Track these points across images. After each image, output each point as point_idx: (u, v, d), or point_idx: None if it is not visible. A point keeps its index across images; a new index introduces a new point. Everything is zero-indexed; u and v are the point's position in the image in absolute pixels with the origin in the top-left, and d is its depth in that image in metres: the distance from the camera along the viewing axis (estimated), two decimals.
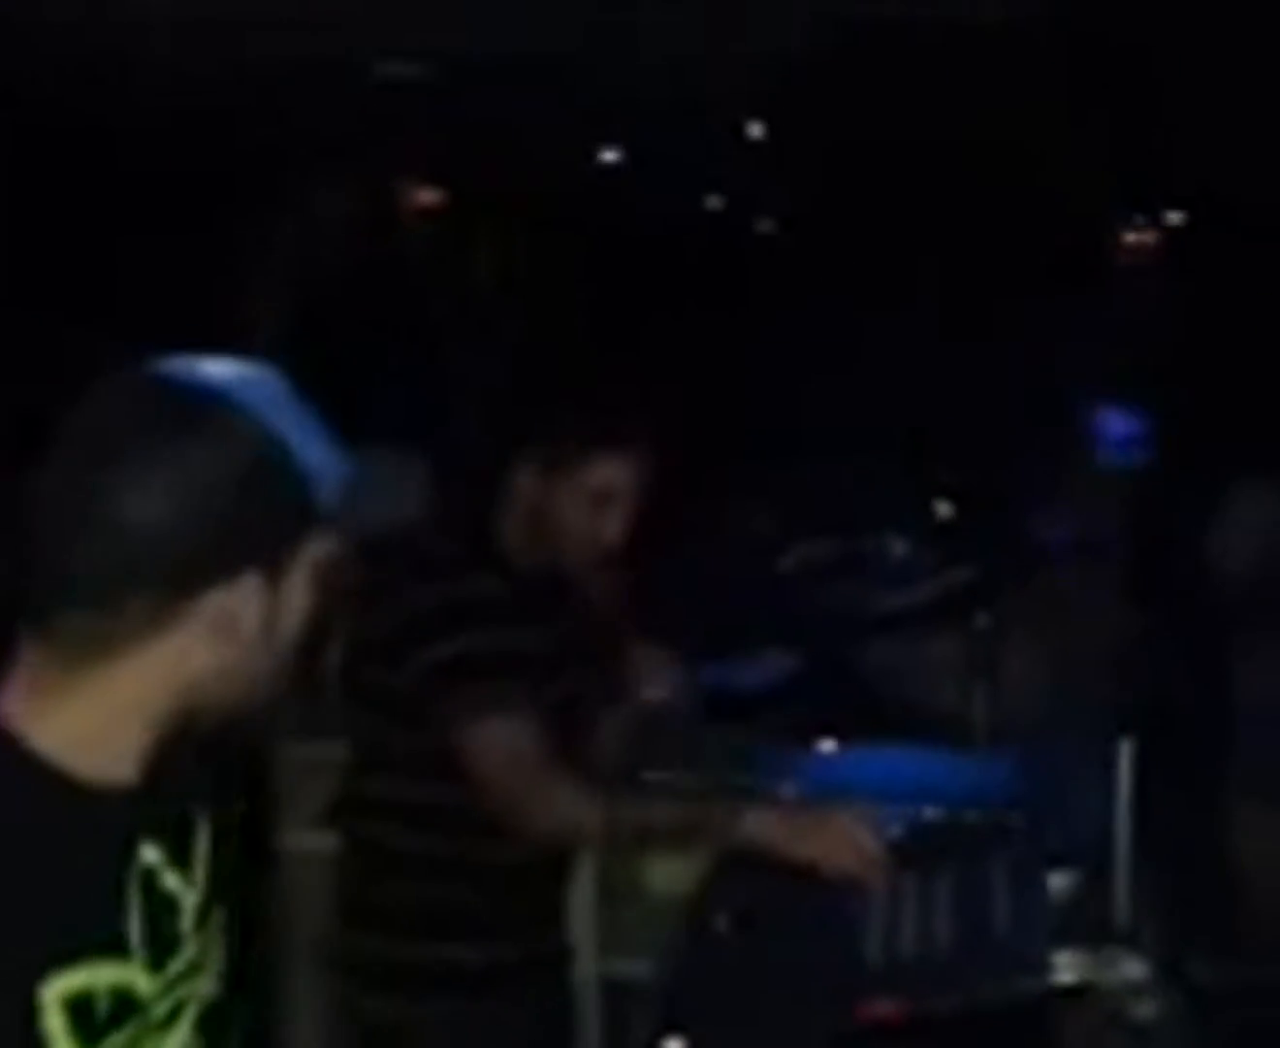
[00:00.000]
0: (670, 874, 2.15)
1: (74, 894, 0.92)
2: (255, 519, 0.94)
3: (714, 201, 7.12)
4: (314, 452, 0.97)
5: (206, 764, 1.08)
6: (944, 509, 3.12)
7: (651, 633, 2.81)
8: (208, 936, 1.05)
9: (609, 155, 6.64)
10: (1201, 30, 4.01)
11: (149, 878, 0.98)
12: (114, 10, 4.16)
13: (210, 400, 0.93)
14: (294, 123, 5.47)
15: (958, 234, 5.59)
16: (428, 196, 6.78)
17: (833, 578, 2.90)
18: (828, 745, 1.95)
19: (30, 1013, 0.88)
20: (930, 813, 1.66)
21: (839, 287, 5.86)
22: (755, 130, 6.26)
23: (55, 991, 0.89)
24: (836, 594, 2.83)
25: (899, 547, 2.94)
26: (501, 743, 1.63)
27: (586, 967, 2.31)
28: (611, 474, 1.72)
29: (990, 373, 4.97)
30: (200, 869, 1.05)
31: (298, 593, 0.99)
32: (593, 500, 1.72)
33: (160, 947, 0.98)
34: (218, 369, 0.96)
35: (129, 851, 0.97)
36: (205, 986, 1.05)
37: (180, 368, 0.95)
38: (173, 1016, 1.01)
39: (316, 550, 1.00)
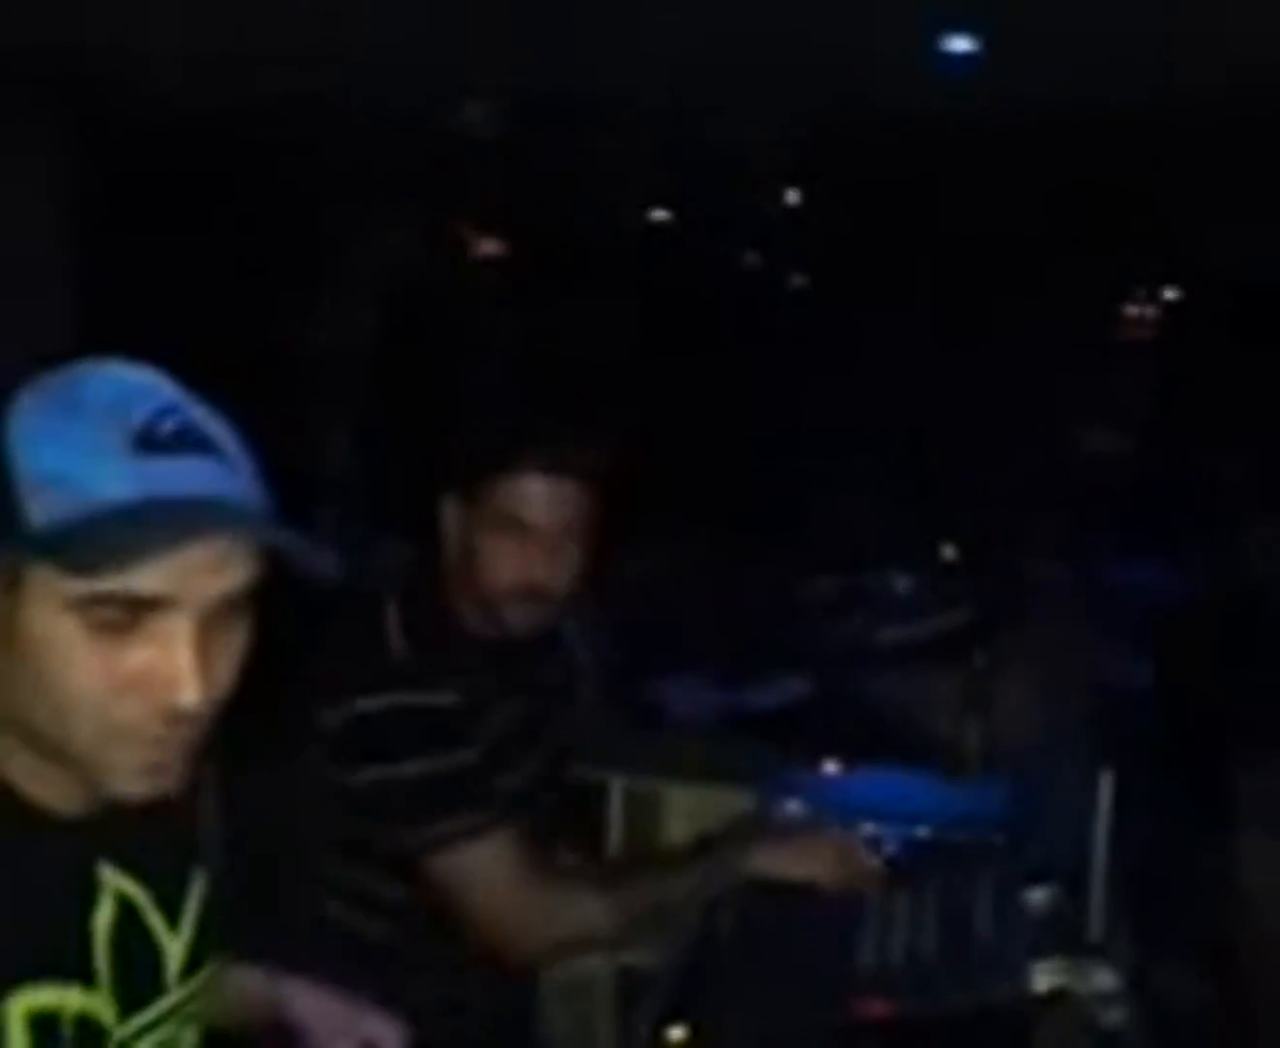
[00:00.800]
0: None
1: (30, 914, 0.87)
2: None
3: (751, 258, 7.18)
4: (93, 472, 0.81)
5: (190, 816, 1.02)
6: (948, 552, 3.15)
7: (682, 657, 2.86)
8: (195, 989, 1.00)
9: (657, 213, 6.71)
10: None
11: (128, 913, 0.95)
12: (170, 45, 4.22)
13: None
14: (348, 162, 5.53)
15: (971, 294, 5.62)
16: (480, 243, 6.86)
17: (842, 612, 2.94)
18: (831, 766, 1.98)
19: None
20: (922, 832, 1.69)
21: (861, 338, 5.90)
22: (791, 196, 6.33)
23: (20, 1006, 0.85)
24: (845, 627, 2.87)
25: (903, 585, 2.97)
26: (482, 873, 1.44)
27: (604, 957, 2.34)
28: (525, 497, 1.47)
29: (999, 424, 4.99)
30: (189, 920, 1.00)
31: (46, 627, 0.82)
32: (508, 528, 1.48)
33: (135, 986, 0.94)
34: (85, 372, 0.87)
35: (90, 877, 0.93)
36: (185, 1040, 1.01)
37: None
38: None
39: (66, 584, 0.81)
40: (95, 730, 0.84)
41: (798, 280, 7.09)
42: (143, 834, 0.95)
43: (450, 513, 1.54)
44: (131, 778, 0.87)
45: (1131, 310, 6.29)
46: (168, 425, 0.84)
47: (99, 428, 0.83)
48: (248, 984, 1.16)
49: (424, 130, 5.19)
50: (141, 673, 0.84)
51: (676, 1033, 1.32)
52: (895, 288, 5.72)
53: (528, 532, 1.50)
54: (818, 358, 5.93)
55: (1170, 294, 6.25)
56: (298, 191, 5.56)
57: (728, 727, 2.74)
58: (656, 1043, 1.33)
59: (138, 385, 0.87)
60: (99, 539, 0.80)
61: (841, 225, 5.78)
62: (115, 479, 0.81)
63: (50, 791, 0.90)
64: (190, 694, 0.84)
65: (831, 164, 5.14)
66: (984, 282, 5.59)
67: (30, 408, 0.85)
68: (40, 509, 0.82)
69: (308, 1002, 1.17)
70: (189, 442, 0.84)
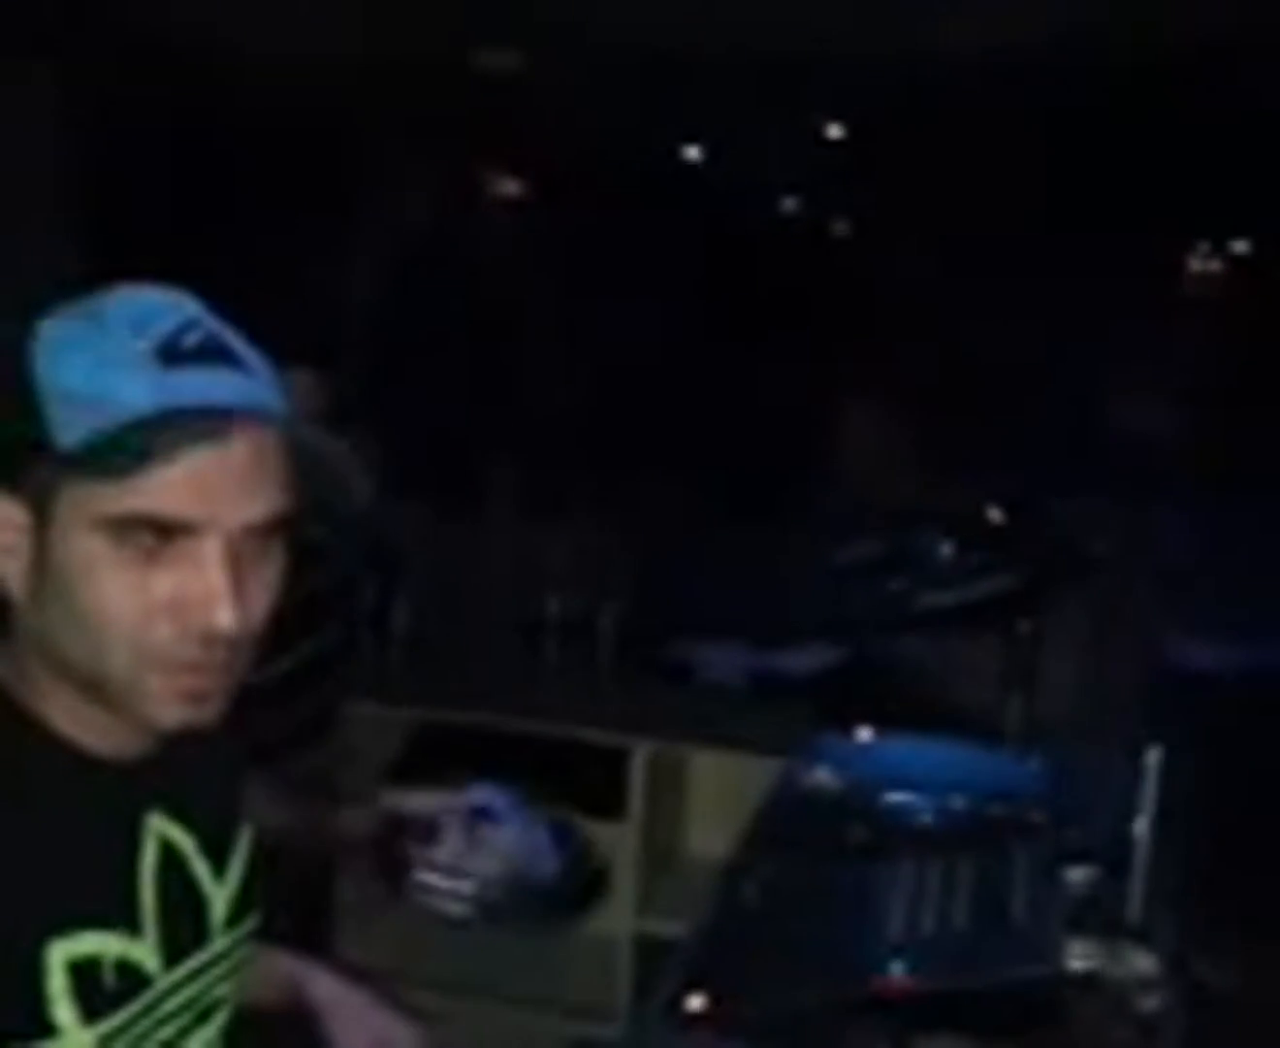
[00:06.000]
0: (709, 836, 2.21)
1: (76, 860, 0.89)
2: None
3: (790, 202, 7.10)
4: (133, 395, 0.83)
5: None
6: (994, 515, 3.13)
7: (712, 620, 2.87)
8: (241, 938, 1.03)
9: (690, 152, 6.64)
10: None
11: (173, 859, 0.97)
12: None
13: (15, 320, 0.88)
14: (382, 105, 5.51)
15: (1025, 246, 5.55)
16: (509, 186, 6.82)
17: (882, 574, 2.93)
18: (865, 734, 1.99)
19: (33, 972, 0.85)
20: (957, 804, 1.70)
21: (908, 287, 5.84)
22: (835, 131, 6.24)
23: (61, 953, 0.87)
24: (883, 591, 2.86)
25: (947, 549, 2.96)
26: None
27: (623, 925, 2.38)
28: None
29: (1049, 382, 4.94)
30: (237, 867, 1.03)
31: (78, 551, 0.84)
32: None
33: (179, 932, 0.96)
34: (108, 297, 0.89)
35: (137, 823, 0.95)
36: (234, 994, 1.03)
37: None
38: (204, 1015, 0.99)
39: (96, 504, 0.83)
40: (129, 656, 0.86)
41: (841, 225, 6.99)
42: (190, 781, 0.98)
43: None
44: (167, 706, 0.88)
45: (1195, 265, 6.18)
46: (191, 338, 0.86)
47: (122, 342, 0.85)
48: (273, 964, 1.18)
49: (452, 72, 5.14)
50: (173, 596, 0.85)
51: (695, 1003, 1.34)
52: (944, 234, 5.65)
53: None
54: (862, 308, 5.88)
55: (1240, 247, 6.14)
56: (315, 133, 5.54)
57: (759, 691, 2.76)
58: (675, 1012, 1.34)
59: (161, 301, 0.89)
60: (120, 447, 0.82)
61: (889, 164, 5.69)
62: (138, 390, 0.83)
63: (95, 734, 0.92)
64: (224, 615, 0.85)
65: (880, 95, 5.04)
66: (1039, 229, 5.51)
67: (54, 328, 0.87)
68: (66, 425, 0.84)
69: (329, 988, 1.19)
70: (211, 353, 0.87)
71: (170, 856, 0.97)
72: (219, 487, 0.85)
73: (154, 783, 0.95)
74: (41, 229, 4.51)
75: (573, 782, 2.63)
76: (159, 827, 0.96)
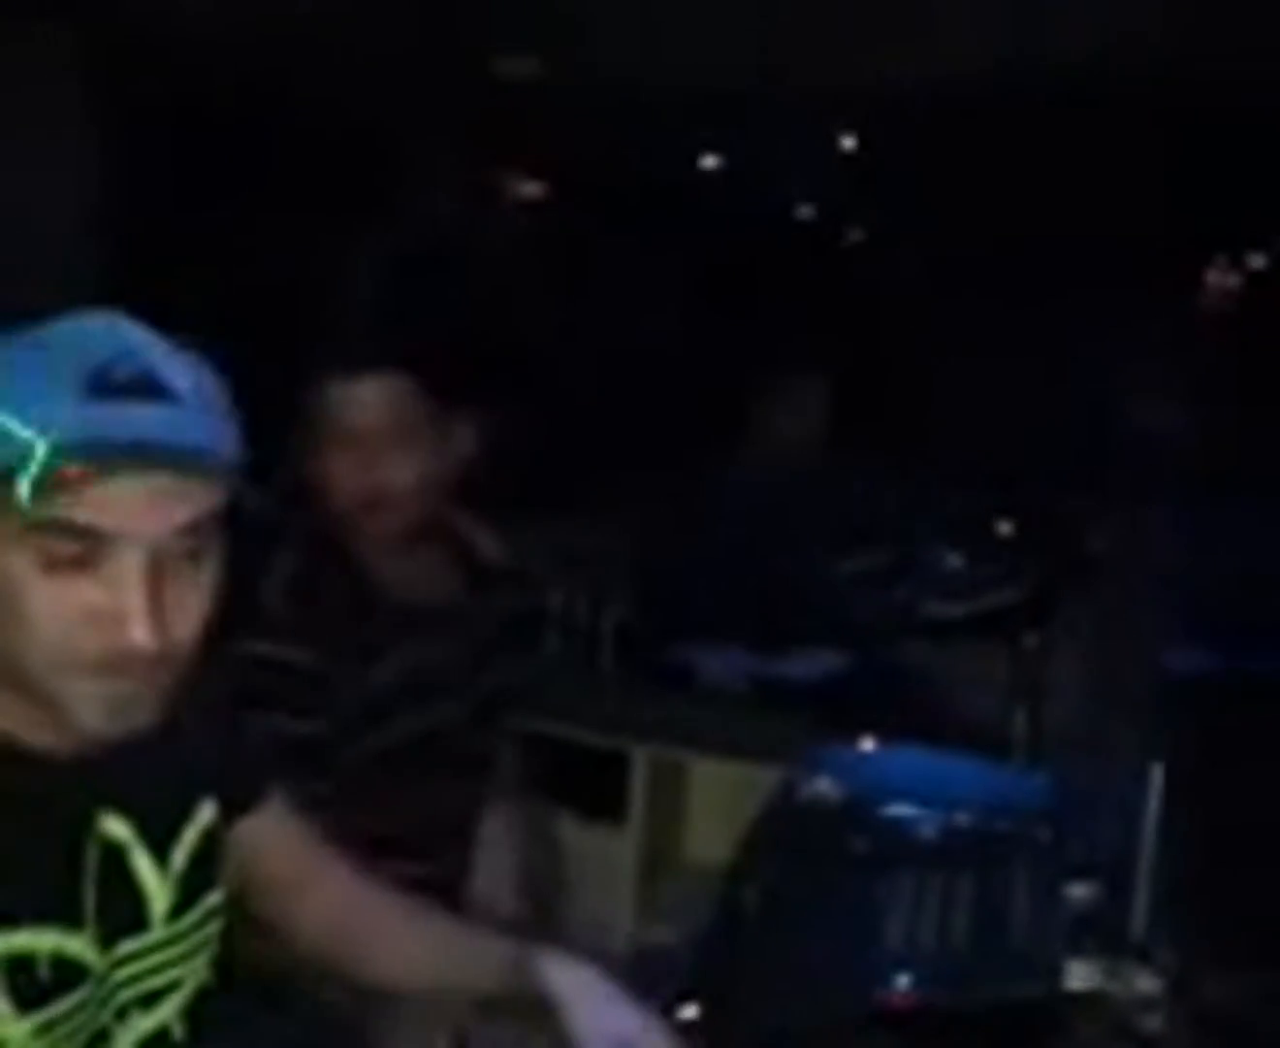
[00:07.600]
0: (709, 844, 2.20)
1: (17, 857, 0.91)
2: None
3: (805, 210, 7.10)
4: (77, 424, 0.85)
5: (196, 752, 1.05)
6: (1004, 527, 3.12)
7: (711, 623, 2.85)
8: (192, 925, 1.03)
9: (707, 161, 6.65)
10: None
11: (115, 854, 0.98)
12: None
13: None
14: (402, 110, 5.52)
15: (1037, 257, 5.54)
16: (528, 190, 6.82)
17: (889, 583, 2.92)
18: (867, 743, 1.97)
19: None
20: (960, 817, 1.68)
21: (917, 300, 5.83)
22: (848, 142, 6.24)
23: None
24: (889, 600, 2.85)
25: (955, 560, 2.94)
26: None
27: (622, 934, 2.36)
28: (344, 401, 1.52)
29: (1061, 396, 4.93)
30: (181, 857, 1.03)
31: (7, 562, 0.87)
32: (339, 441, 1.52)
33: (115, 924, 0.97)
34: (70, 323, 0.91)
35: (81, 820, 0.96)
36: (194, 974, 1.04)
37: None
38: (147, 1001, 1.00)
39: (14, 517, 0.85)
40: (52, 661, 0.88)
41: (854, 234, 6.99)
42: (139, 771, 0.98)
43: (303, 451, 1.57)
44: (97, 713, 0.90)
45: (1213, 278, 6.17)
46: (122, 371, 0.88)
47: (55, 371, 0.87)
48: (489, 949, 1.17)
49: (471, 77, 5.15)
50: (95, 609, 0.88)
51: (688, 1012, 1.32)
52: (954, 245, 5.64)
53: (357, 437, 1.53)
54: (873, 317, 5.86)
55: (1257, 262, 6.12)
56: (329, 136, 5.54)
57: (761, 697, 2.74)
58: (667, 1021, 1.32)
59: (99, 329, 0.90)
60: (41, 469, 0.83)
61: (903, 176, 5.69)
62: (60, 422, 0.85)
63: (36, 731, 0.93)
64: (140, 632, 0.87)
65: (894, 110, 5.05)
66: (1051, 244, 5.49)
67: (24, 370, 0.87)
68: None
69: (567, 976, 1.14)
70: (140, 387, 0.88)
71: (112, 850, 0.97)
72: (131, 503, 0.87)
73: (97, 777, 0.96)
74: (51, 199, 4.51)
75: (573, 785, 2.62)
76: (101, 821, 0.97)
